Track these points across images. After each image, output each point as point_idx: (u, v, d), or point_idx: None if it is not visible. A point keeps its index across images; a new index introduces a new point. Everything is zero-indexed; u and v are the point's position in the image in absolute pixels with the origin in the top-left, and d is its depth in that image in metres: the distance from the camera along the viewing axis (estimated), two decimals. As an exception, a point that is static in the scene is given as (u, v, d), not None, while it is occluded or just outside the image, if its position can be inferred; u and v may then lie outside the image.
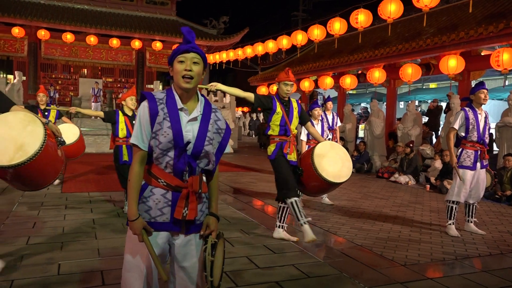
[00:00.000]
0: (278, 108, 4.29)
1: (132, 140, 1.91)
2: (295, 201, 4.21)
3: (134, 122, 5.32)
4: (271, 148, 4.39)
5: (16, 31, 18.87)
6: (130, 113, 5.41)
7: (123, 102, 5.43)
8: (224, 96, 19.76)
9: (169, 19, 23.94)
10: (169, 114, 1.86)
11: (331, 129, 7.28)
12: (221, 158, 2.05)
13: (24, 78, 18.63)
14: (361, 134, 16.11)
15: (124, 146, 5.32)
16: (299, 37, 13.79)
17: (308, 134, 6.58)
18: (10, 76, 19.80)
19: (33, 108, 7.09)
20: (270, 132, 4.39)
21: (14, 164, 2.87)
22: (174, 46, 21.24)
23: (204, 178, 1.98)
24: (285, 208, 4.46)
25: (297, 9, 37.06)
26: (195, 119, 1.91)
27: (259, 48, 16.64)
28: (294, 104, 4.43)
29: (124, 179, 5.37)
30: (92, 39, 19.91)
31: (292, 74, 4.36)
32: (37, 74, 21.28)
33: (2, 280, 3.21)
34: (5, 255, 3.71)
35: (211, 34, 23.14)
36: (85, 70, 23.01)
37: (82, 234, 4.56)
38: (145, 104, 1.89)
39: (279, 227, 4.56)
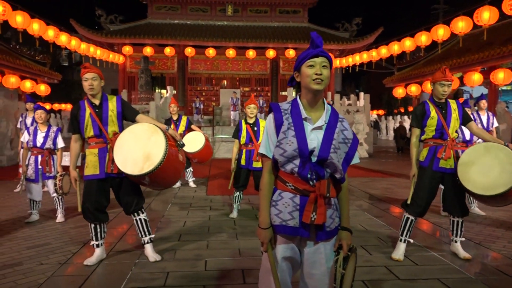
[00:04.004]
0: (433, 112, 3.95)
1: (261, 150, 2.00)
2: (411, 220, 4.05)
3: (255, 128, 5.54)
4: (424, 153, 4.03)
5: (168, 50, 21.30)
6: (251, 121, 5.65)
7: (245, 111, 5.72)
8: (358, 99, 19.28)
9: (301, 26, 24.38)
10: (294, 124, 1.90)
11: (487, 130, 6.53)
12: (356, 163, 2.00)
13: (175, 91, 20.90)
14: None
15: (244, 151, 5.61)
16: (441, 32, 12.73)
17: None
18: (164, 91, 22.43)
19: (168, 120, 7.93)
20: (423, 137, 4.05)
21: (144, 173, 3.30)
22: (306, 52, 21.59)
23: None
24: (458, 222, 4.11)
25: (437, 1, 34.30)
26: (319, 127, 1.91)
27: (395, 48, 15.85)
28: (453, 105, 4.00)
29: (236, 181, 5.71)
30: (231, 52, 21.37)
31: (450, 73, 3.98)
32: (185, 88, 23.69)
33: (160, 271, 3.63)
34: (162, 250, 4.20)
35: (343, 38, 22.84)
36: (225, 81, 24.84)
37: (224, 234, 4.90)
38: (271, 115, 1.98)
39: (453, 240, 4.18)
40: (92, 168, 3.73)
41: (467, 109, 5.92)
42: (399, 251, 4.02)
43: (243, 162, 5.59)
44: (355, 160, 1.98)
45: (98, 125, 3.72)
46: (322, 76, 1.87)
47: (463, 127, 6.22)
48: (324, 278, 1.94)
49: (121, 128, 3.79)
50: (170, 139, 3.50)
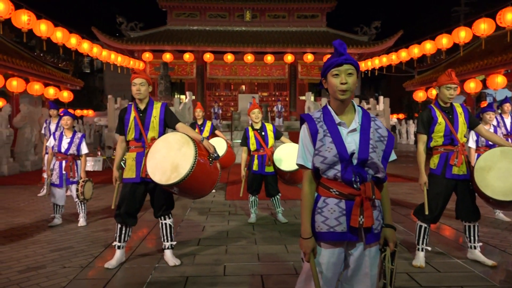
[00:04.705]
0: (440, 118, 3.83)
1: (298, 161, 2.02)
2: (425, 228, 3.97)
3: (263, 133, 5.51)
4: (435, 160, 3.91)
5: (187, 56, 21.53)
6: (257, 127, 5.64)
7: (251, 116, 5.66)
8: (378, 103, 19.09)
9: (320, 31, 24.33)
10: (329, 130, 1.92)
11: (509, 134, 6.37)
12: None
13: (194, 97, 21.09)
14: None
15: (256, 156, 5.59)
16: (462, 34, 12.53)
17: (477, 141, 5.87)
18: (183, 96, 22.67)
19: (192, 124, 7.99)
20: (432, 144, 3.91)
21: (170, 183, 3.29)
22: (325, 57, 21.61)
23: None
24: (474, 227, 4.01)
25: (458, 3, 33.81)
26: (354, 130, 1.93)
27: (415, 51, 15.65)
28: (459, 109, 3.89)
29: (250, 186, 5.68)
30: (249, 57, 21.47)
31: (455, 76, 3.87)
32: (204, 93, 23.89)
33: (179, 276, 3.66)
34: (181, 254, 4.23)
35: (362, 41, 22.70)
36: (243, 86, 24.95)
37: (243, 239, 4.90)
38: (305, 126, 2.00)
39: (471, 247, 4.07)
40: (129, 171, 3.84)
41: (490, 113, 5.80)
42: (419, 259, 3.95)
43: (255, 167, 5.58)
44: (393, 157, 2.00)
45: (139, 129, 3.83)
46: (347, 86, 1.88)
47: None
48: (365, 280, 1.96)
49: (161, 135, 3.85)
50: (203, 150, 3.44)
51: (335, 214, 1.91)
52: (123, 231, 3.93)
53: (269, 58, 21.61)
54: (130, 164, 3.85)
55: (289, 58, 21.80)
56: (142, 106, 3.91)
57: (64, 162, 5.64)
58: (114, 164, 4.08)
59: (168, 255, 4.00)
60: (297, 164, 2.02)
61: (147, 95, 3.94)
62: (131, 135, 3.87)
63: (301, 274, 2.06)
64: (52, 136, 5.79)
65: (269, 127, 5.65)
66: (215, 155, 3.54)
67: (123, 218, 3.88)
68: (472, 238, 4.01)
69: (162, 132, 3.90)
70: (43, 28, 11.26)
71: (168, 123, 3.92)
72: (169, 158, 3.39)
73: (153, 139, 3.80)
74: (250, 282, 3.51)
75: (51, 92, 15.11)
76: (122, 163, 4.22)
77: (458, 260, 4.07)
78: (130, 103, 4.03)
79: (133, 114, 3.88)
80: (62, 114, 5.75)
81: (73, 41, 13.53)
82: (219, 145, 7.17)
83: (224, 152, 7.01)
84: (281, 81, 24.47)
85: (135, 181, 3.83)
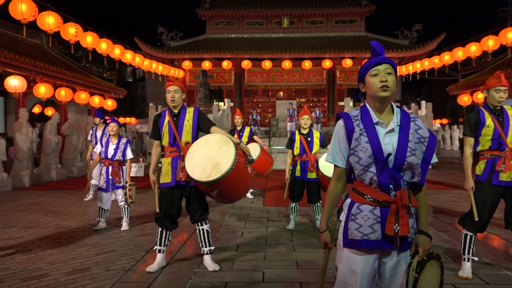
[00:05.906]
0: (488, 120, 3.66)
1: (327, 159, 2.01)
2: (471, 236, 3.79)
3: (309, 139, 5.46)
4: (481, 166, 3.75)
5: (225, 64, 21.83)
6: (305, 132, 5.59)
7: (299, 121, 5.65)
8: (420, 108, 18.55)
9: (358, 36, 24.00)
10: (366, 129, 1.86)
11: None
12: None
13: (232, 104, 21.32)
14: None
15: (298, 162, 5.54)
16: (510, 35, 12.00)
17: None
18: (221, 103, 22.98)
19: (232, 131, 8.08)
20: (479, 148, 3.75)
21: (211, 180, 3.36)
22: (364, 62, 21.28)
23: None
24: None
25: (505, 3, 32.39)
26: (392, 130, 1.86)
27: (459, 53, 15.12)
28: (510, 112, 3.69)
29: (291, 192, 5.64)
30: (287, 64, 21.47)
31: (505, 78, 3.69)
32: (242, 100, 24.09)
33: (219, 281, 3.69)
34: (220, 260, 4.27)
35: (402, 45, 22.17)
36: (281, 93, 24.95)
37: (281, 245, 4.88)
38: (340, 123, 1.96)
39: None
40: (165, 176, 3.95)
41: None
42: (465, 270, 3.78)
43: (298, 173, 5.55)
44: (434, 159, 1.90)
45: (173, 133, 3.93)
46: (388, 83, 1.84)
47: None
48: None
49: (195, 139, 3.95)
50: (240, 152, 3.57)
51: (369, 222, 1.85)
52: (164, 235, 4.02)
53: (307, 64, 21.52)
54: (166, 169, 3.95)
55: (327, 63, 21.61)
56: (176, 111, 4.03)
57: (110, 167, 5.84)
58: (150, 169, 4.19)
59: (207, 260, 4.05)
60: (326, 161, 2.01)
61: (181, 102, 4.05)
62: (165, 139, 3.97)
63: (336, 282, 2.03)
64: (99, 143, 6.03)
65: (316, 134, 5.61)
66: (251, 158, 3.67)
67: (163, 222, 3.99)
68: None
69: (195, 137, 3.98)
70: (89, 39, 11.77)
71: (202, 126, 3.99)
72: (209, 157, 3.50)
73: (187, 143, 3.89)
74: (288, 290, 3.48)
75: (96, 100, 15.74)
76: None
77: (508, 272, 3.87)
78: (164, 109, 4.15)
79: (167, 118, 3.99)
80: (109, 121, 5.98)
81: (117, 51, 14.05)
82: (253, 150, 7.21)
83: (256, 157, 7.03)
84: (319, 87, 24.29)
85: (170, 185, 3.93)
